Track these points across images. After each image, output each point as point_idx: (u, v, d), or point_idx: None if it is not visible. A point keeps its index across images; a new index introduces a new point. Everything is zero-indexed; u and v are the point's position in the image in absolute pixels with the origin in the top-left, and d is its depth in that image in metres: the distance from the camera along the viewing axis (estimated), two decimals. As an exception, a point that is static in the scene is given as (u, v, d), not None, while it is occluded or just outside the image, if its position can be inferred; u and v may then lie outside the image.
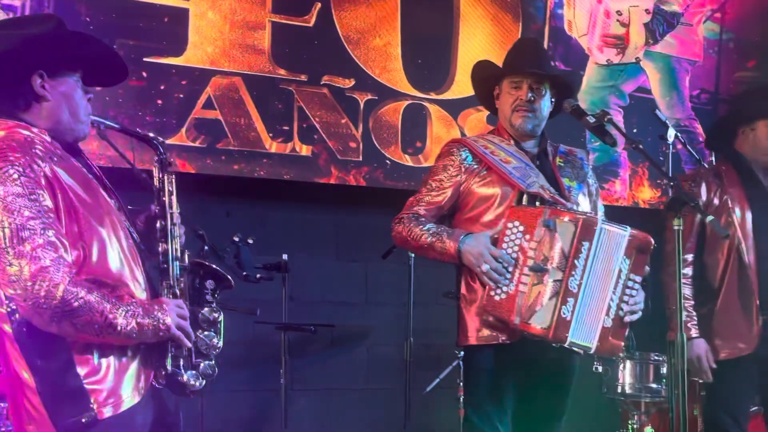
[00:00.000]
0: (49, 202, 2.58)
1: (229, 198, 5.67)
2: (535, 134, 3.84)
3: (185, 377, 2.81)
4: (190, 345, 2.81)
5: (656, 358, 5.27)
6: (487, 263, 3.51)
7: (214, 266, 2.97)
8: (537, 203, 3.65)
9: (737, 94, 5.46)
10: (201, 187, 5.33)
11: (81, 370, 2.65)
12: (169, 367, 2.80)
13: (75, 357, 2.65)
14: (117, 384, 2.69)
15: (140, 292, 2.77)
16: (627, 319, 3.58)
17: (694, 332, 4.20)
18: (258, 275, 4.62)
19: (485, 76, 3.93)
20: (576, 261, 3.46)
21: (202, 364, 2.86)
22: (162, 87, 5.44)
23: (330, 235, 6.01)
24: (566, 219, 3.49)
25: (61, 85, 2.76)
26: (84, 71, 2.83)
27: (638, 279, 3.60)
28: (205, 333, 2.89)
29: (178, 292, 2.87)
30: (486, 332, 3.64)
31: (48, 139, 2.71)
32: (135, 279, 2.77)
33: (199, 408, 4.79)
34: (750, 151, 4.30)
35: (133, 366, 2.75)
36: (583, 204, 3.82)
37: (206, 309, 2.91)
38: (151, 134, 3.01)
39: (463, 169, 3.74)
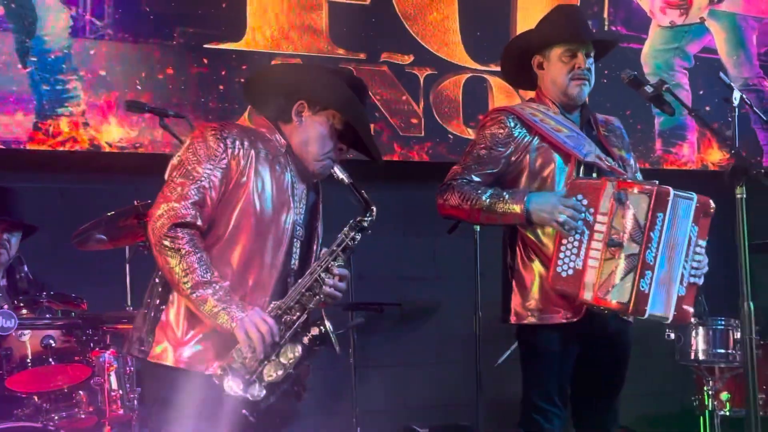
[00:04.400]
0: (218, 171, 2.94)
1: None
2: (581, 103, 3.76)
3: (228, 380, 2.86)
4: (249, 354, 2.87)
5: (729, 323, 5.20)
6: (564, 213, 3.43)
7: (330, 330, 3.00)
8: (594, 174, 3.60)
9: None
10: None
11: (167, 310, 2.97)
12: (227, 360, 2.88)
13: (171, 295, 2.98)
14: (182, 342, 2.93)
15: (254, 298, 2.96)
16: (699, 283, 3.55)
17: None
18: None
19: (533, 45, 3.76)
20: (651, 233, 3.41)
21: (254, 385, 2.88)
22: (223, 72, 5.50)
23: (396, 212, 6.02)
24: (636, 191, 3.43)
25: (319, 119, 3.09)
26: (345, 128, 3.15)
27: (703, 244, 3.57)
28: (275, 363, 2.91)
29: (284, 317, 2.94)
30: (547, 312, 3.57)
31: (281, 149, 3.08)
32: (255, 288, 2.98)
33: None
34: None
35: (205, 338, 2.92)
36: (632, 173, 3.77)
37: (292, 344, 2.93)
38: (370, 204, 3.13)
39: (514, 138, 3.63)
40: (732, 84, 4.77)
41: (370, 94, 5.80)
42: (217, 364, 2.90)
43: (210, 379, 2.89)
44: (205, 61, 5.47)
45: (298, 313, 2.96)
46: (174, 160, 2.99)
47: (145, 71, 5.35)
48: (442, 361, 5.97)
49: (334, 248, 3.04)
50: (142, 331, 2.96)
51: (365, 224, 3.08)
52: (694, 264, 3.55)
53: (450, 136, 5.99)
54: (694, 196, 3.53)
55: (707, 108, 6.57)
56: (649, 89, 3.57)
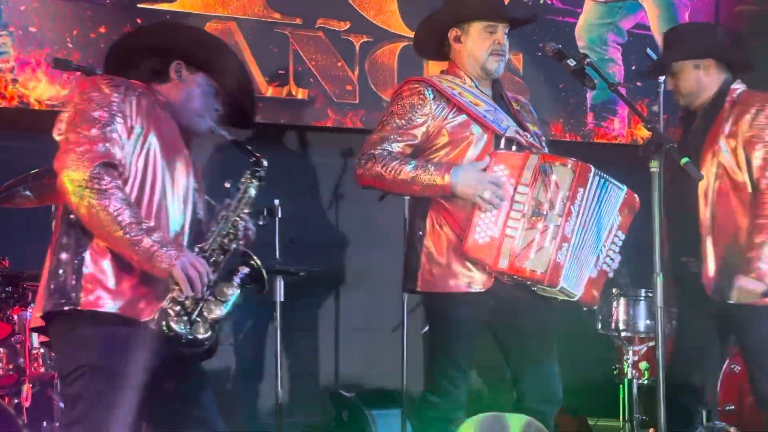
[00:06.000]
0: (119, 117, 2.88)
1: (226, 142, 5.68)
2: (495, 77, 3.81)
3: (171, 323, 2.88)
4: (190, 292, 2.88)
5: (649, 294, 5.31)
6: (488, 189, 3.49)
7: (260, 266, 3.07)
8: (513, 147, 3.66)
9: None
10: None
11: (90, 260, 2.87)
12: (164, 304, 2.88)
13: (89, 246, 2.87)
14: (112, 289, 2.86)
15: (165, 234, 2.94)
16: (610, 274, 3.67)
17: None
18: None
19: (453, 17, 3.78)
20: (572, 207, 3.49)
21: (197, 323, 2.91)
22: (157, 33, 5.45)
23: (328, 178, 6.05)
24: (560, 164, 3.52)
25: (198, 78, 3.12)
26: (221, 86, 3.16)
27: (622, 237, 3.66)
28: (214, 301, 2.96)
29: (211, 260, 2.98)
30: (457, 280, 3.61)
31: (162, 99, 3.04)
32: (166, 225, 2.96)
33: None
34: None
35: (138, 285, 2.89)
36: (545, 147, 3.84)
37: (224, 283, 2.99)
38: (259, 156, 3.18)
39: (432, 110, 3.66)
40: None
41: (305, 59, 5.81)
42: (156, 309, 2.89)
43: (146, 325, 2.88)
44: (139, 21, 5.39)
45: (221, 256, 3.01)
46: (66, 114, 2.92)
47: (78, 29, 5.29)
48: (370, 327, 6.02)
49: (240, 195, 3.10)
50: (65, 285, 2.87)
51: (261, 174, 3.14)
52: (611, 254, 3.65)
53: (384, 103, 5.99)
54: (624, 187, 3.64)
55: (638, 83, 6.68)
56: (571, 63, 3.62)
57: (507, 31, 3.78)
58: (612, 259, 3.66)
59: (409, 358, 5.40)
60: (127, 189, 2.89)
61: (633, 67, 6.69)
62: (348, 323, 6.03)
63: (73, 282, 2.87)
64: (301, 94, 5.82)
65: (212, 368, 5.34)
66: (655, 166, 3.37)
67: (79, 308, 2.85)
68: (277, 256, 5.17)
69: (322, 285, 5.90)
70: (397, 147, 3.66)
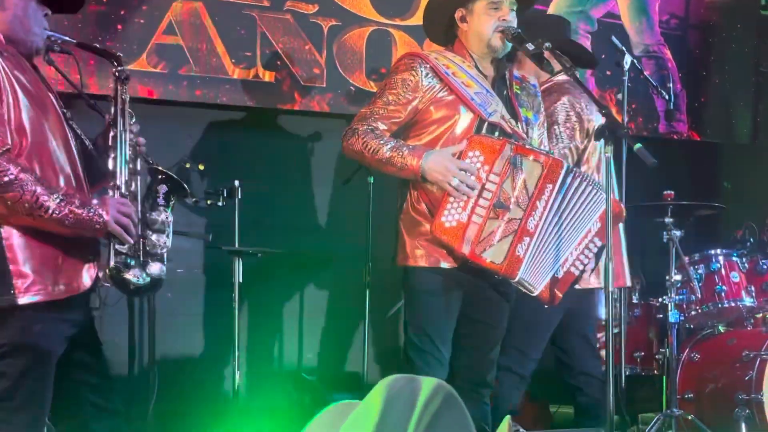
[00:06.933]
0: None
1: (192, 124, 5.69)
2: (501, 56, 3.80)
3: (125, 275, 2.86)
4: (131, 241, 2.86)
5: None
6: (457, 177, 3.50)
7: (169, 173, 3.05)
8: (496, 133, 3.65)
9: None
10: (162, 113, 5.38)
11: (9, 253, 2.76)
12: (111, 263, 2.85)
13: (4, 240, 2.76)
14: (45, 274, 2.78)
15: (71, 188, 2.86)
16: (580, 283, 3.73)
17: None
18: (209, 201, 4.67)
19: None
20: (537, 202, 3.50)
21: (150, 264, 2.92)
22: (122, 12, 5.41)
23: (293, 161, 6.04)
24: (532, 158, 3.51)
25: None
26: None
27: (599, 244, 3.66)
28: (153, 233, 2.95)
29: (127, 193, 2.94)
30: (429, 255, 3.64)
31: (2, 39, 2.86)
32: (69, 174, 2.88)
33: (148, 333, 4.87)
34: None
35: (69, 260, 2.84)
36: (536, 136, 3.84)
37: (155, 211, 2.98)
38: (110, 50, 3.13)
39: (422, 87, 3.66)
40: (623, 48, 4.91)
41: (273, 42, 5.78)
42: (98, 270, 2.87)
43: (87, 294, 2.86)
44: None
45: (134, 183, 2.98)
46: None
47: (42, 7, 5.23)
48: (334, 310, 6.02)
49: (120, 106, 3.03)
50: None
51: (125, 72, 3.07)
52: (582, 257, 3.65)
53: (352, 87, 6.00)
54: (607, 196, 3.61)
55: (608, 72, 6.69)
56: (530, 47, 3.62)
57: (515, 8, 3.73)
58: (582, 263, 3.67)
59: (374, 341, 5.41)
60: (19, 148, 2.78)
61: (603, 56, 6.69)
62: (311, 307, 6.02)
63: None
64: (268, 76, 5.78)
65: (172, 350, 5.38)
66: (608, 152, 3.39)
67: (17, 303, 2.76)
68: (237, 238, 5.15)
69: (285, 268, 5.88)
70: (382, 125, 3.68)
